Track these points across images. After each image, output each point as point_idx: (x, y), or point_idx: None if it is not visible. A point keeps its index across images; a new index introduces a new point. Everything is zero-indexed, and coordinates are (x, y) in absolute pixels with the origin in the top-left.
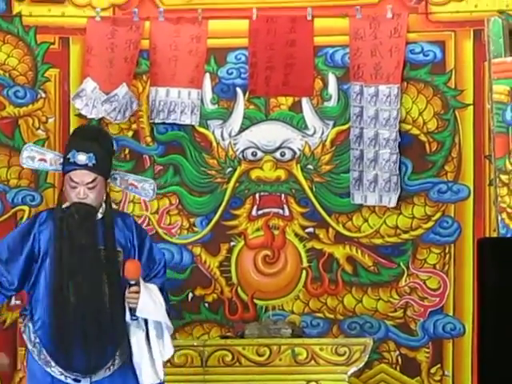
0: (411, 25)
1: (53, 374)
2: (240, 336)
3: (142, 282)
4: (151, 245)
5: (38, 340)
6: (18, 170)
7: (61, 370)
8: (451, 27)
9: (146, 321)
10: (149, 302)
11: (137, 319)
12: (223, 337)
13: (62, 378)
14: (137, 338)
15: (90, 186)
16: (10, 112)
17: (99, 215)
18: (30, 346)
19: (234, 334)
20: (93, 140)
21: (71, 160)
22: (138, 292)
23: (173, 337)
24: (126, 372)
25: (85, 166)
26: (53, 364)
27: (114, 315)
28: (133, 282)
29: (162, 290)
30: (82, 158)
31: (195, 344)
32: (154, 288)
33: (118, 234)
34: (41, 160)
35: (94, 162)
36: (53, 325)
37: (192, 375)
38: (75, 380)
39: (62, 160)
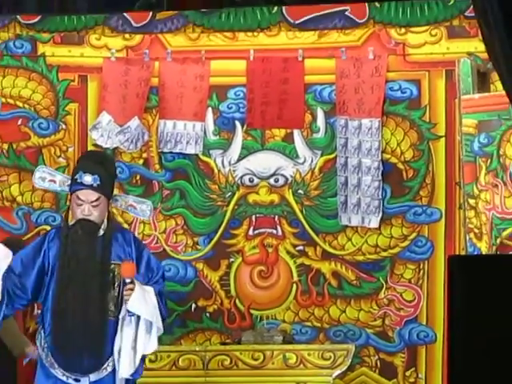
0: (390, 65)
1: (56, 375)
2: (237, 342)
3: (137, 282)
4: (149, 257)
5: (46, 345)
6: (41, 193)
7: (63, 371)
8: (426, 67)
9: (138, 318)
10: (141, 300)
11: (133, 315)
12: (223, 343)
13: (64, 378)
14: (125, 332)
15: (95, 204)
16: (35, 142)
17: (101, 231)
18: (39, 350)
19: (232, 341)
20: (98, 163)
21: (78, 180)
22: (132, 289)
23: (177, 343)
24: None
25: (90, 186)
26: (56, 366)
27: (106, 322)
28: (128, 281)
29: (160, 295)
30: (87, 178)
31: (197, 349)
32: (150, 290)
33: (118, 249)
34: (51, 181)
35: (98, 182)
36: (54, 330)
37: (195, 377)
38: (75, 380)
39: (69, 182)
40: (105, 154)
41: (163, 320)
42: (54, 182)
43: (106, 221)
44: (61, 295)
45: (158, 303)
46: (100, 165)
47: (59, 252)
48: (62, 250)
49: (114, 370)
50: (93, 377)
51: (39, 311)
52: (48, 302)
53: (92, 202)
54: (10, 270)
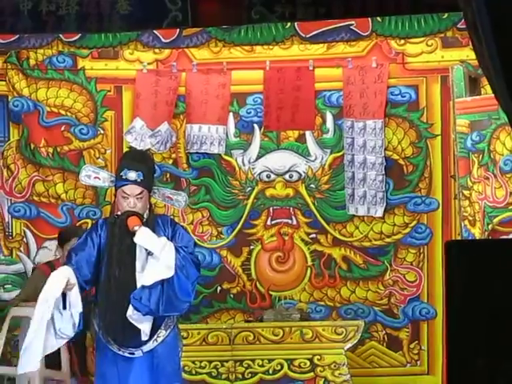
0: (391, 72)
1: (114, 350)
2: (259, 320)
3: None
4: (181, 234)
5: (101, 324)
6: (83, 191)
7: (118, 346)
8: (423, 74)
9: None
10: (147, 235)
11: (151, 254)
12: (246, 321)
13: (121, 352)
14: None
15: (139, 197)
16: (76, 145)
17: (144, 219)
18: (96, 328)
19: (254, 319)
20: (140, 161)
21: (123, 177)
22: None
23: (204, 321)
24: (171, 340)
25: (134, 182)
26: (112, 342)
27: None
28: (137, 228)
29: (184, 259)
30: (132, 175)
31: (224, 327)
32: (163, 238)
33: (159, 232)
34: (96, 178)
35: (141, 178)
36: (106, 310)
37: (222, 351)
38: (130, 353)
39: (112, 178)
40: (145, 152)
41: (188, 286)
42: (99, 178)
43: (147, 211)
44: (110, 278)
45: (178, 258)
46: (141, 162)
47: (108, 239)
48: (110, 238)
49: (163, 341)
50: (145, 348)
51: None
52: (100, 284)
53: (136, 195)
54: (75, 265)
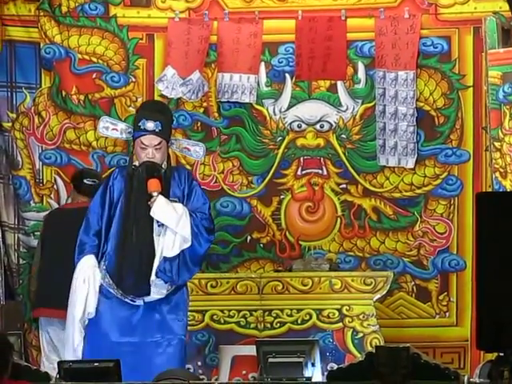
0: (424, 23)
1: (116, 294)
2: (288, 270)
3: (162, 196)
4: (196, 195)
5: (105, 267)
6: (114, 138)
7: (121, 292)
8: (455, 25)
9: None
10: (163, 208)
11: (161, 225)
12: (275, 270)
13: (122, 297)
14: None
15: (157, 147)
16: (108, 93)
17: (162, 171)
18: (102, 271)
19: (283, 268)
20: (158, 111)
21: (142, 127)
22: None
23: (234, 271)
24: (175, 296)
25: (153, 132)
26: (115, 287)
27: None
28: (155, 194)
29: (197, 226)
30: (150, 125)
31: (253, 276)
32: (178, 205)
33: (174, 186)
34: (113, 129)
35: (160, 128)
36: (116, 258)
37: (251, 301)
38: (132, 300)
39: (129, 130)
40: (162, 103)
41: (200, 253)
42: (116, 130)
43: (165, 162)
44: (126, 232)
45: (192, 225)
46: (160, 112)
47: (126, 190)
48: (129, 189)
49: (167, 296)
50: (148, 299)
51: None
52: (112, 231)
53: (155, 145)
54: (91, 227)
